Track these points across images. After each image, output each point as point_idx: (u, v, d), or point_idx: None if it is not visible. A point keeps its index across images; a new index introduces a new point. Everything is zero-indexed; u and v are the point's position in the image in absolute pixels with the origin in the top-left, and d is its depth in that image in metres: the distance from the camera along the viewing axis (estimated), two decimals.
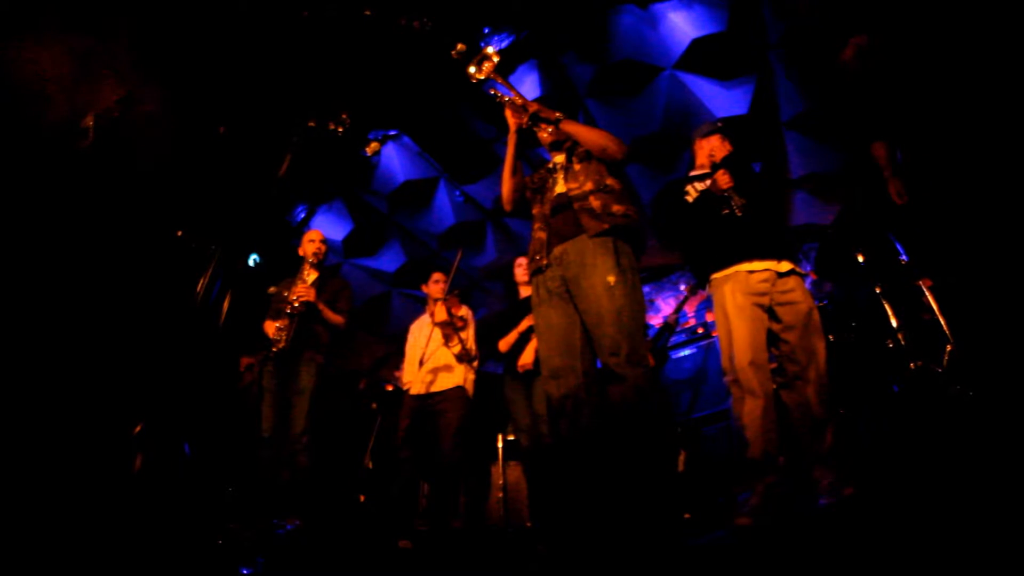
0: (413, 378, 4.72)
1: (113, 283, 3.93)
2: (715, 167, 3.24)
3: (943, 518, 1.79)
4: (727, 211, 3.10)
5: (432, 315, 4.80)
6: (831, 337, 4.58)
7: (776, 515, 2.68)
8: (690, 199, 3.33)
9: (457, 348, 4.65)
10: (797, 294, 3.00)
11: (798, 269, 3.06)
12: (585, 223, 2.63)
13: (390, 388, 6.47)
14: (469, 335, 4.82)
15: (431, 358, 4.72)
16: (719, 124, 3.59)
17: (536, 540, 4.43)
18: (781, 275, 3.02)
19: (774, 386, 2.99)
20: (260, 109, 4.56)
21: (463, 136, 5.88)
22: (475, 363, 4.79)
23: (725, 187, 3.12)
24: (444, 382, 4.62)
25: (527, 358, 4.40)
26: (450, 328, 4.69)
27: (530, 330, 4.42)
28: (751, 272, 3.04)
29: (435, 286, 4.90)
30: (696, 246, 3.36)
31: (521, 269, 4.84)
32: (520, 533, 4.96)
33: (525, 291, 4.75)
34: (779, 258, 3.04)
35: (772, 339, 3.06)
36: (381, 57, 4.70)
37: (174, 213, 4.36)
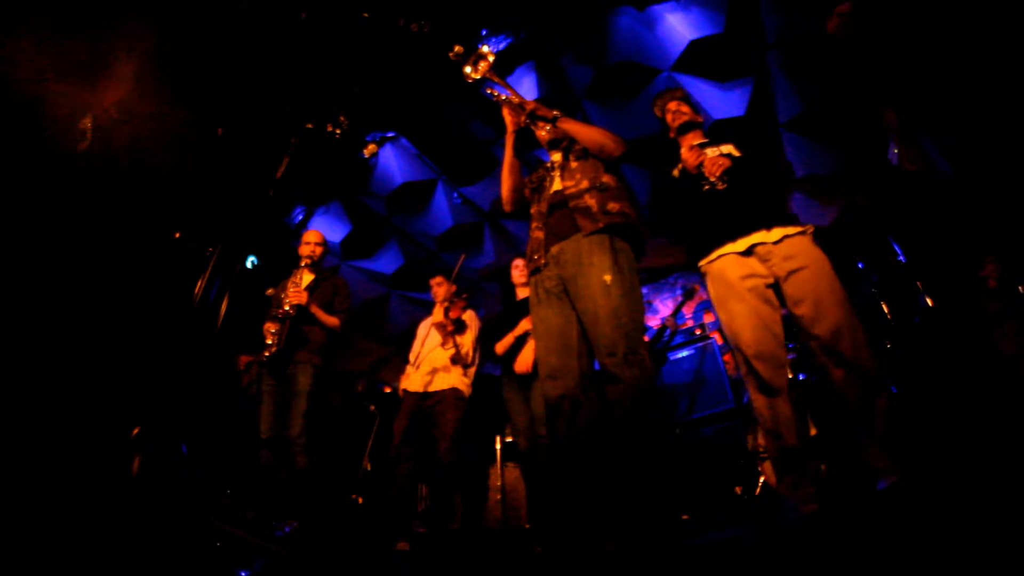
0: (411, 376, 4.74)
1: (111, 285, 3.92)
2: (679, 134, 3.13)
3: (941, 518, 1.79)
4: (708, 186, 2.84)
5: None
6: None
7: (836, 499, 2.61)
8: (676, 173, 3.05)
9: (451, 351, 4.66)
10: (800, 259, 2.66)
11: (792, 230, 2.73)
12: (580, 222, 2.61)
13: (388, 390, 6.47)
14: (466, 339, 4.82)
15: (427, 358, 4.73)
16: (665, 90, 3.39)
17: (533, 541, 4.43)
18: (776, 242, 2.71)
19: (784, 375, 2.66)
20: (258, 111, 4.56)
21: (461, 138, 5.90)
22: (472, 368, 4.79)
23: (693, 165, 2.87)
24: (440, 383, 4.63)
25: (525, 362, 4.37)
26: (444, 330, 4.70)
27: (527, 333, 4.42)
28: (740, 254, 2.76)
29: (437, 289, 4.92)
30: (684, 228, 3.05)
31: (517, 271, 4.83)
32: (518, 534, 4.96)
33: (522, 292, 4.75)
34: (768, 226, 2.72)
35: (791, 324, 2.74)
36: (379, 59, 4.70)
37: (172, 215, 4.36)
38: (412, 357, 4.88)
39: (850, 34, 3.28)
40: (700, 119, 3.30)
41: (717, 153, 2.92)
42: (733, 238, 2.77)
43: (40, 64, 3.60)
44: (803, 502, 2.53)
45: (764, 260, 2.72)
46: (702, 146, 3.05)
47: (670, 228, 3.26)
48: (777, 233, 2.71)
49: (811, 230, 2.76)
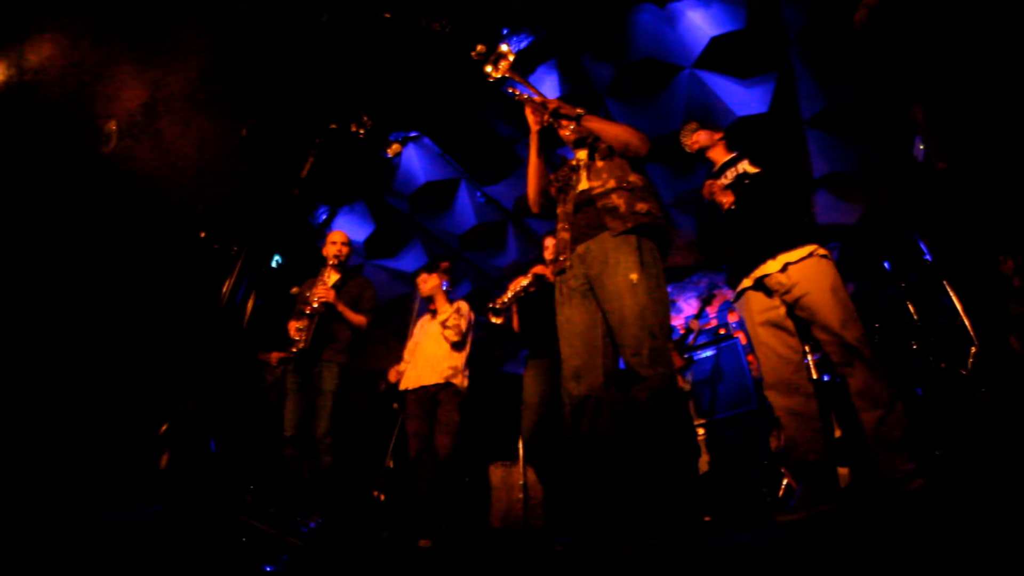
0: (407, 373, 4.77)
1: (140, 285, 3.99)
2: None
3: (964, 521, 1.77)
4: (724, 213, 3.07)
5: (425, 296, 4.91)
6: None
7: (809, 513, 2.64)
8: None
9: (444, 315, 4.67)
10: (803, 285, 2.82)
11: (795, 255, 2.87)
12: (608, 222, 2.59)
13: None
14: (455, 308, 4.82)
15: (422, 355, 4.76)
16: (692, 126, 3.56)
17: (554, 540, 4.43)
18: (781, 270, 2.88)
19: (799, 397, 2.83)
20: (282, 111, 4.61)
21: (484, 137, 5.90)
22: (464, 353, 4.78)
23: (707, 195, 3.15)
24: (435, 377, 4.63)
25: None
26: (443, 295, 4.73)
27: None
28: (751, 289, 3.00)
29: (423, 286, 4.92)
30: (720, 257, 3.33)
31: (548, 251, 4.74)
32: (539, 533, 4.97)
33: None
34: (773, 254, 2.91)
35: (807, 335, 2.93)
36: (401, 59, 4.73)
37: (199, 215, 4.42)
38: (407, 355, 4.90)
39: (876, 27, 3.24)
40: (717, 136, 3.47)
41: (734, 174, 3.18)
42: (747, 272, 3.00)
43: (66, 66, 3.67)
44: (786, 511, 2.70)
45: (773, 291, 2.93)
46: (728, 164, 3.30)
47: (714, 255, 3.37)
48: (781, 260, 2.89)
49: (817, 249, 2.89)
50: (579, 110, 2.81)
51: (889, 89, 4.44)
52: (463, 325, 4.75)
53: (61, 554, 1.88)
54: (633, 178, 2.74)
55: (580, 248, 2.66)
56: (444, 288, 4.92)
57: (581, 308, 2.61)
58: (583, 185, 2.80)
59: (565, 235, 2.76)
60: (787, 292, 2.87)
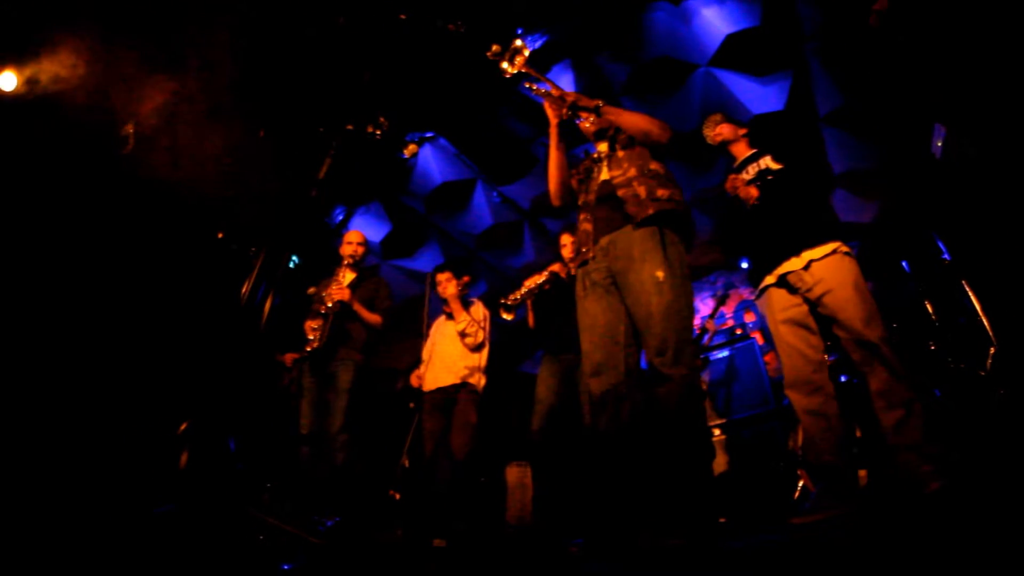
0: (426, 376, 4.78)
1: (161, 286, 4.04)
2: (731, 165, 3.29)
3: (982, 524, 1.75)
4: (748, 208, 3.08)
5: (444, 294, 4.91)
6: None
7: (824, 515, 2.62)
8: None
9: (462, 325, 4.67)
10: (827, 282, 2.80)
11: (819, 252, 2.85)
12: (630, 210, 2.58)
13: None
14: (475, 313, 4.83)
15: (439, 355, 4.76)
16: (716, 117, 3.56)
17: (568, 541, 4.43)
18: (805, 268, 2.86)
19: (820, 397, 2.81)
20: (299, 113, 4.64)
21: (500, 137, 5.91)
22: (482, 353, 4.79)
23: (731, 190, 3.17)
24: (452, 378, 4.64)
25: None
26: (459, 302, 4.75)
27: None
28: (774, 286, 2.98)
29: (447, 283, 4.92)
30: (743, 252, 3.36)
31: (566, 249, 4.72)
32: (554, 534, 4.96)
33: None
34: (797, 251, 2.89)
35: (828, 332, 2.91)
36: (417, 60, 4.75)
37: (217, 216, 4.47)
38: (425, 356, 4.91)
39: (889, 28, 3.23)
40: (741, 132, 3.48)
41: (756, 169, 3.20)
42: (770, 269, 2.99)
43: (83, 74, 3.72)
44: (801, 514, 2.70)
45: (795, 289, 2.92)
46: (750, 159, 3.32)
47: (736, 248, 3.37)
48: (805, 258, 2.87)
49: (840, 247, 2.88)
50: (597, 101, 2.79)
51: (906, 85, 4.40)
52: (481, 335, 4.77)
53: (78, 551, 1.91)
54: (654, 166, 2.73)
55: (603, 241, 2.65)
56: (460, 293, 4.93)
57: (603, 302, 2.60)
58: (604, 176, 2.79)
59: (587, 227, 2.75)
60: (810, 290, 2.85)
